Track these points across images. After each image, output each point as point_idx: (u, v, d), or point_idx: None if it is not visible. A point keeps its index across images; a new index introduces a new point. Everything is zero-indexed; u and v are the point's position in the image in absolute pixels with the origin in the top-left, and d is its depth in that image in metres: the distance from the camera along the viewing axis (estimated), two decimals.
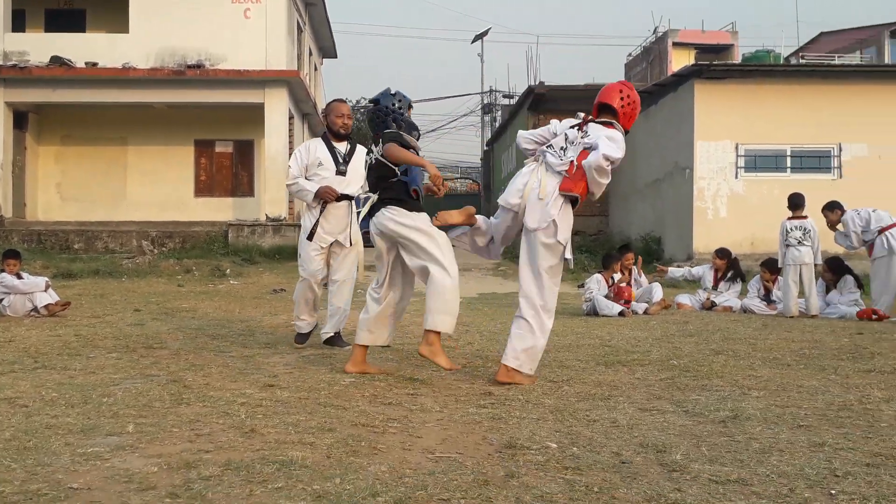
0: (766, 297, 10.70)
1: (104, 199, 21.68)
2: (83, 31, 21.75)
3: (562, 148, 5.21)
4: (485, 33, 42.70)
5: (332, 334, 6.49)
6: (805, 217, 10.14)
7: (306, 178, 6.39)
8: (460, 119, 63.84)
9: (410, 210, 5.10)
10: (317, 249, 6.35)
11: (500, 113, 39.85)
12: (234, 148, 22.50)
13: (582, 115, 5.44)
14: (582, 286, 10.92)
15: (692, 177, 17.26)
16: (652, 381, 5.00)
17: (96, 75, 19.88)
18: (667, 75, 23.97)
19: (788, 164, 17.63)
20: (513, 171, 28.62)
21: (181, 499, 2.67)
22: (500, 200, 5.26)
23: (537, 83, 24.10)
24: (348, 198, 6.40)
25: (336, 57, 32.62)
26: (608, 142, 5.05)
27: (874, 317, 9.28)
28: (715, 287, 11.05)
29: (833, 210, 10.05)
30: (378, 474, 2.95)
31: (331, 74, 74.01)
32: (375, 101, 5.39)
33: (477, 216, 5.47)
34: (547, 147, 5.28)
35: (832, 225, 10.07)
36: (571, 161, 5.08)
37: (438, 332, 4.93)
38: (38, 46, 20.12)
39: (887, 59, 32.71)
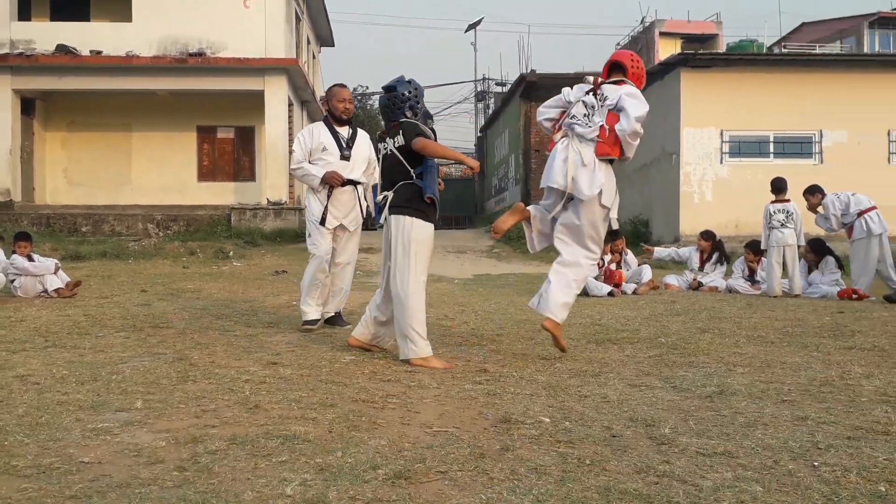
0: (751, 278, 10.72)
1: (110, 184, 21.60)
2: (88, 20, 21.59)
3: (585, 115, 5.17)
4: (478, 23, 42.46)
5: (333, 314, 6.48)
6: (788, 200, 10.14)
7: (310, 163, 6.27)
8: (455, 106, 63.69)
9: (425, 221, 4.88)
10: (324, 231, 6.22)
11: (492, 100, 39.75)
12: (235, 134, 22.42)
13: (591, 78, 5.39)
14: None
15: (679, 162, 17.26)
16: (641, 359, 5.02)
17: (101, 63, 19.74)
18: (654, 64, 23.89)
19: (771, 150, 17.63)
20: (505, 156, 28.60)
21: (188, 472, 2.67)
22: (548, 183, 5.18)
23: (529, 71, 24.04)
24: (353, 182, 6.30)
25: (333, 45, 32.43)
26: (632, 100, 5.06)
27: (854, 296, 9.31)
28: (701, 268, 11.06)
29: (814, 194, 10.06)
30: (378, 448, 2.96)
31: (328, 62, 73.60)
32: (391, 87, 5.07)
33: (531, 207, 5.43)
34: (570, 118, 5.23)
35: (813, 208, 10.09)
36: (601, 125, 5.08)
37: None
38: (45, 35, 19.96)
39: (866, 49, 32.71)
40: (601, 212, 5.05)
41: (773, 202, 10.19)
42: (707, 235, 11.28)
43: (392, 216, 4.92)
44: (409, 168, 4.90)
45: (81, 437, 3.06)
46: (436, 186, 4.93)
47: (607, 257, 10.29)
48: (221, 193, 21.77)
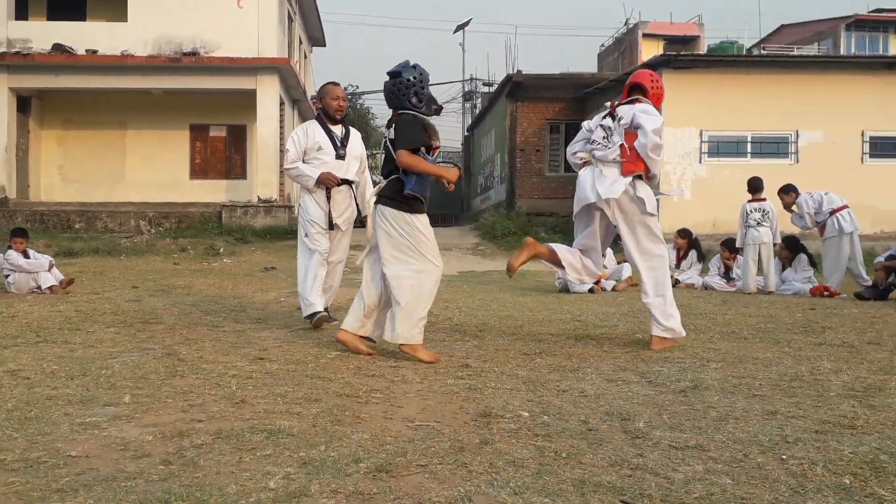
0: (726, 275, 10.79)
1: (104, 181, 21.52)
2: (84, 19, 21.47)
3: (604, 137, 5.26)
4: (466, 23, 42.40)
5: (322, 310, 6.44)
6: (764, 199, 10.21)
7: (304, 162, 6.08)
8: (444, 105, 63.54)
9: (409, 212, 4.75)
10: (322, 231, 6.09)
11: (479, 100, 39.73)
12: (227, 132, 22.34)
13: (608, 104, 5.45)
14: None
15: None
16: (618, 354, 5.04)
17: (96, 62, 19.66)
18: (637, 65, 23.95)
19: (749, 150, 17.74)
20: (491, 155, 28.60)
21: (174, 466, 2.66)
22: (581, 202, 5.29)
23: (515, 72, 24.01)
24: (348, 182, 6.16)
25: (325, 45, 32.35)
26: (646, 116, 5.16)
27: (826, 293, 9.38)
28: (678, 265, 11.12)
29: (788, 193, 10.14)
30: (361, 442, 2.96)
31: (320, 62, 73.45)
32: (396, 73, 4.80)
33: (547, 245, 5.45)
34: (591, 145, 5.33)
35: (787, 207, 10.17)
36: (621, 145, 5.17)
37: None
38: (41, 34, 19.85)
39: (843, 51, 32.91)
40: (650, 219, 5.23)
41: (749, 201, 10.25)
42: (683, 233, 11.34)
43: (377, 206, 4.84)
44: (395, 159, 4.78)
45: (69, 432, 3.05)
46: (424, 183, 4.75)
47: None
48: (213, 191, 21.70)
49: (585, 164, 5.42)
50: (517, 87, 23.55)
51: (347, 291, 7.56)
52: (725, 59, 18.82)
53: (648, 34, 35.58)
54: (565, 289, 9.82)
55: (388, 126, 4.91)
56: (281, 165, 20.52)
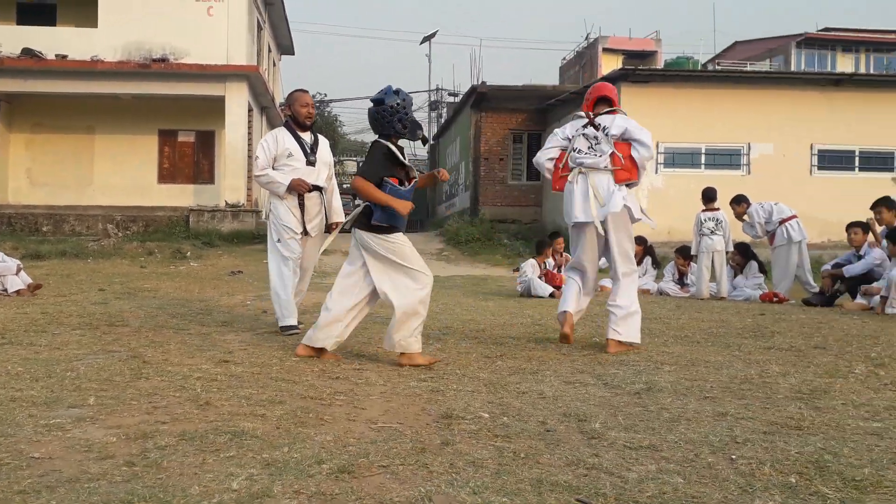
0: (680, 281, 10.91)
1: (72, 185, 21.19)
2: (54, 24, 21.16)
3: (589, 147, 5.27)
4: (432, 35, 42.48)
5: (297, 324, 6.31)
6: (717, 209, 10.36)
7: (274, 169, 5.93)
8: None
9: (385, 234, 4.67)
10: (296, 236, 5.96)
11: (445, 110, 39.79)
12: (195, 137, 22.11)
13: (581, 113, 5.47)
14: (517, 270, 11.01)
15: None
16: (576, 357, 5.06)
17: (66, 67, 19.36)
18: (597, 78, 24.17)
19: (703, 161, 17.98)
20: (456, 163, 28.64)
21: (137, 467, 2.62)
22: (575, 219, 5.32)
23: (480, 83, 24.10)
24: (319, 189, 6.05)
25: (293, 54, 32.18)
26: (639, 128, 5.32)
27: (775, 299, 9.53)
28: None
29: (740, 203, 10.30)
30: (324, 443, 2.94)
31: (288, 70, 73.04)
32: (379, 100, 4.69)
33: (571, 324, 5.53)
34: (576, 153, 5.32)
35: (739, 216, 10.32)
36: (613, 154, 5.23)
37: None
38: (10, 39, 19.47)
39: (793, 67, 33.54)
40: (631, 226, 5.37)
41: (703, 210, 10.39)
42: (639, 241, 11.41)
43: (356, 231, 4.75)
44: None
45: (33, 433, 2.99)
46: (391, 212, 4.61)
47: (550, 261, 10.39)
48: (181, 195, 21.47)
49: (563, 175, 5.42)
50: (482, 98, 23.63)
51: (313, 296, 7.50)
52: (681, 74, 19.10)
53: (608, 49, 35.93)
54: (527, 293, 9.86)
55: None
56: (249, 171, 20.38)
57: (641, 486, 2.51)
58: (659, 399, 3.78)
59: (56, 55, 19.39)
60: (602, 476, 2.62)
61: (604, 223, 5.30)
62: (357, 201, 4.85)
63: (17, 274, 8.44)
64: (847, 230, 9.31)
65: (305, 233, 6.01)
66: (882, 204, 8.92)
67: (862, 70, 34.51)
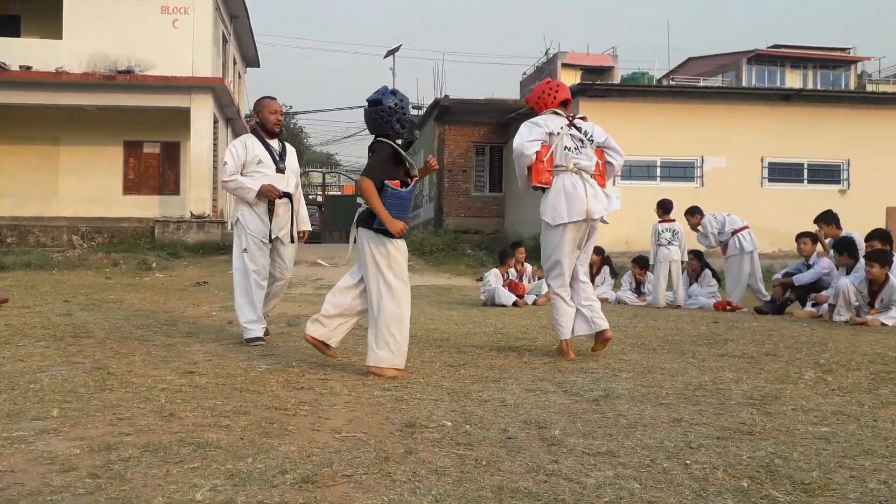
0: (638, 290, 11.02)
1: (37, 196, 20.80)
2: (18, 35, 20.83)
3: (576, 148, 5.29)
4: (396, 49, 42.40)
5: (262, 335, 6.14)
6: (673, 220, 10.49)
7: (243, 175, 5.79)
8: None
9: (375, 233, 4.59)
10: (263, 246, 5.85)
11: None
12: (161, 149, 21.86)
13: (560, 112, 5.42)
14: (480, 279, 11.04)
15: None
16: (537, 365, 5.08)
17: (30, 78, 19.05)
18: None
19: (658, 174, 18.21)
20: None
21: (101, 479, 2.58)
22: (566, 219, 5.26)
23: (443, 96, 24.17)
24: (289, 196, 5.95)
25: (259, 66, 32.02)
26: (611, 137, 5.47)
27: (728, 308, 9.67)
28: (591, 281, 11.31)
29: (694, 214, 10.45)
30: (288, 454, 2.91)
31: (254, 82, 72.61)
32: (376, 101, 4.62)
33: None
34: (572, 152, 5.30)
35: (693, 227, 10.47)
36: (597, 161, 5.36)
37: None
38: None
39: (744, 83, 34.18)
40: None
41: (660, 221, 10.52)
42: (597, 251, 11.53)
43: (358, 229, 4.70)
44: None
45: None
46: (396, 213, 4.54)
47: (512, 271, 10.44)
48: (146, 206, 21.20)
49: (549, 169, 5.31)
50: (445, 111, 23.71)
51: (282, 305, 7.44)
52: (637, 89, 19.37)
53: (567, 64, 36.33)
54: (490, 302, 9.89)
55: (369, 152, 4.76)
56: (215, 182, 20.19)
57: (599, 492, 2.53)
58: (616, 406, 3.81)
59: (20, 66, 19.08)
60: (561, 482, 2.63)
61: (593, 223, 5.35)
62: (359, 199, 4.78)
63: None
64: (797, 240, 9.50)
65: (272, 240, 5.90)
66: (821, 220, 9.18)
67: (810, 86, 35.30)
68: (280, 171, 5.90)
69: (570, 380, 4.51)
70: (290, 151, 6.11)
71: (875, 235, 8.38)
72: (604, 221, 5.37)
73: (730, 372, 4.81)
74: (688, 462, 2.86)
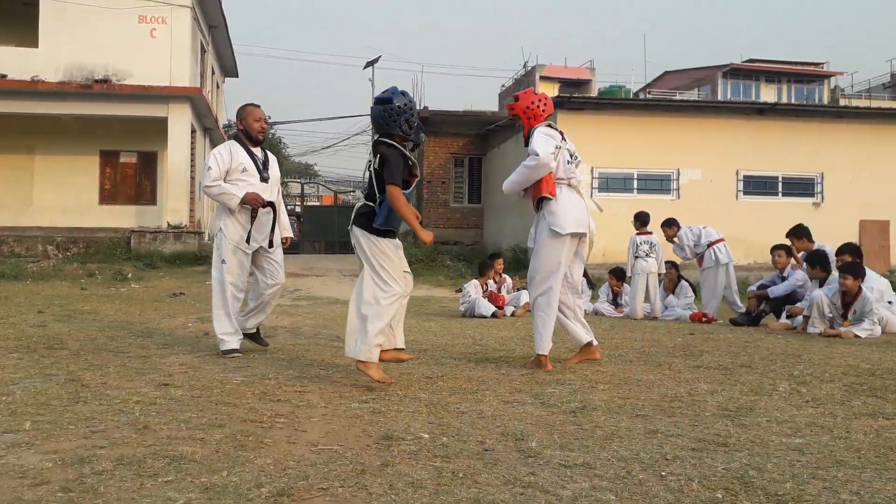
0: (615, 301, 11.07)
1: (11, 205, 20.52)
2: None
3: (568, 162, 5.42)
4: (375, 60, 42.32)
5: (254, 330, 6.11)
6: (650, 232, 10.56)
7: (227, 182, 5.70)
8: (353, 137, 63.57)
9: (379, 236, 4.68)
10: (244, 254, 5.78)
11: None
12: (137, 158, 21.68)
13: (557, 128, 5.47)
14: (459, 291, 11.04)
15: None
16: (514, 376, 5.08)
17: (5, 87, 18.79)
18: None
19: (635, 186, 18.31)
20: None
21: (73, 493, 2.54)
22: (575, 229, 5.38)
23: (422, 108, 24.21)
24: (272, 205, 5.89)
25: (237, 76, 31.92)
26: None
27: (704, 319, 9.73)
28: None
29: (670, 226, 10.51)
30: (263, 467, 2.89)
31: (232, 92, 72.40)
32: (386, 100, 4.65)
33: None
34: (568, 164, 5.41)
35: (669, 238, 10.54)
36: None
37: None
38: None
39: (720, 97, 34.55)
40: None
41: (638, 234, 10.58)
42: None
43: (353, 227, 4.76)
44: (375, 192, 4.69)
45: None
46: (393, 216, 4.67)
47: (491, 282, 10.46)
48: (122, 216, 20.99)
49: (555, 181, 5.39)
50: (424, 122, 23.72)
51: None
52: (614, 102, 19.53)
53: (545, 76, 36.57)
54: (469, 314, 9.89)
55: (374, 154, 4.74)
56: (192, 192, 20.05)
57: None
58: (593, 417, 3.82)
59: None
60: (538, 494, 2.63)
61: (587, 237, 5.56)
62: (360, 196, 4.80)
63: None
64: (771, 252, 9.60)
65: (258, 249, 5.86)
66: (792, 234, 9.30)
67: (784, 99, 35.77)
68: (264, 179, 5.85)
69: (548, 391, 4.52)
70: (273, 160, 6.07)
71: (846, 249, 8.50)
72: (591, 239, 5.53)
73: (705, 383, 4.83)
74: (663, 473, 2.87)
